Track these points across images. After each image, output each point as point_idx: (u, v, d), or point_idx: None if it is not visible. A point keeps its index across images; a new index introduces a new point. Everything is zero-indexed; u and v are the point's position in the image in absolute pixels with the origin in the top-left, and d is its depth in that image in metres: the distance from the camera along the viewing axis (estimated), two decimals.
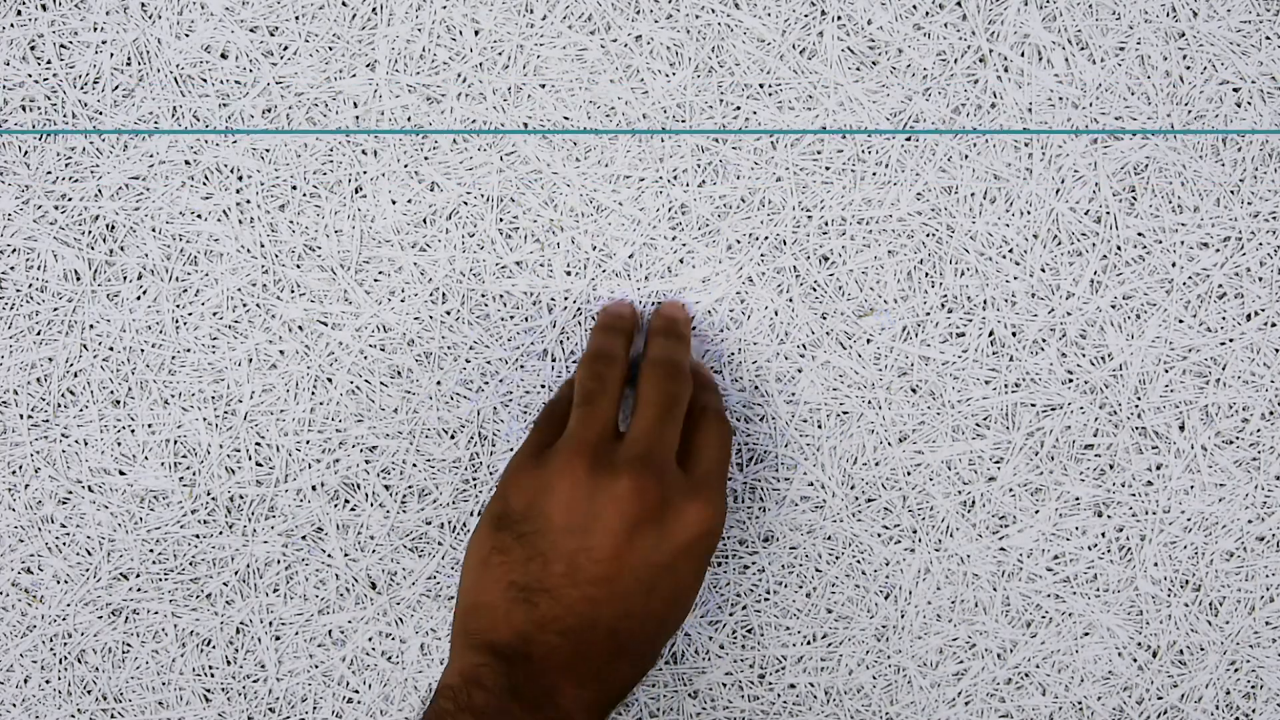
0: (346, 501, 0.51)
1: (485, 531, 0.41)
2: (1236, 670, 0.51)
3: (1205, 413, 0.50)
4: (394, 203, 0.50)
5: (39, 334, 0.51)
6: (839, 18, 0.49)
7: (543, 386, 0.51)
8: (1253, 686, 0.51)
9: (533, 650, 0.38)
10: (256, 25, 0.50)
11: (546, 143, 0.50)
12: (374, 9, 0.50)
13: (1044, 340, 0.50)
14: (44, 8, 0.50)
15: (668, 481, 0.40)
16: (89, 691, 0.52)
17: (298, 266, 0.51)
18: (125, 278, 0.51)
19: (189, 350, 0.51)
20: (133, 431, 0.51)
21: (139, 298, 0.51)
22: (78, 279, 0.51)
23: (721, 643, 0.52)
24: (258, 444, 0.51)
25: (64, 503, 0.51)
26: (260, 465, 0.51)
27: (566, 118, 0.50)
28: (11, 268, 0.51)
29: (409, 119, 0.50)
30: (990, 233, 0.50)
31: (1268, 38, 0.49)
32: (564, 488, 0.40)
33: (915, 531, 0.51)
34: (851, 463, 0.51)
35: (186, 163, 0.50)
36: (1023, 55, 0.49)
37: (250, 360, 0.51)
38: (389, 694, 0.52)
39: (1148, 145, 0.49)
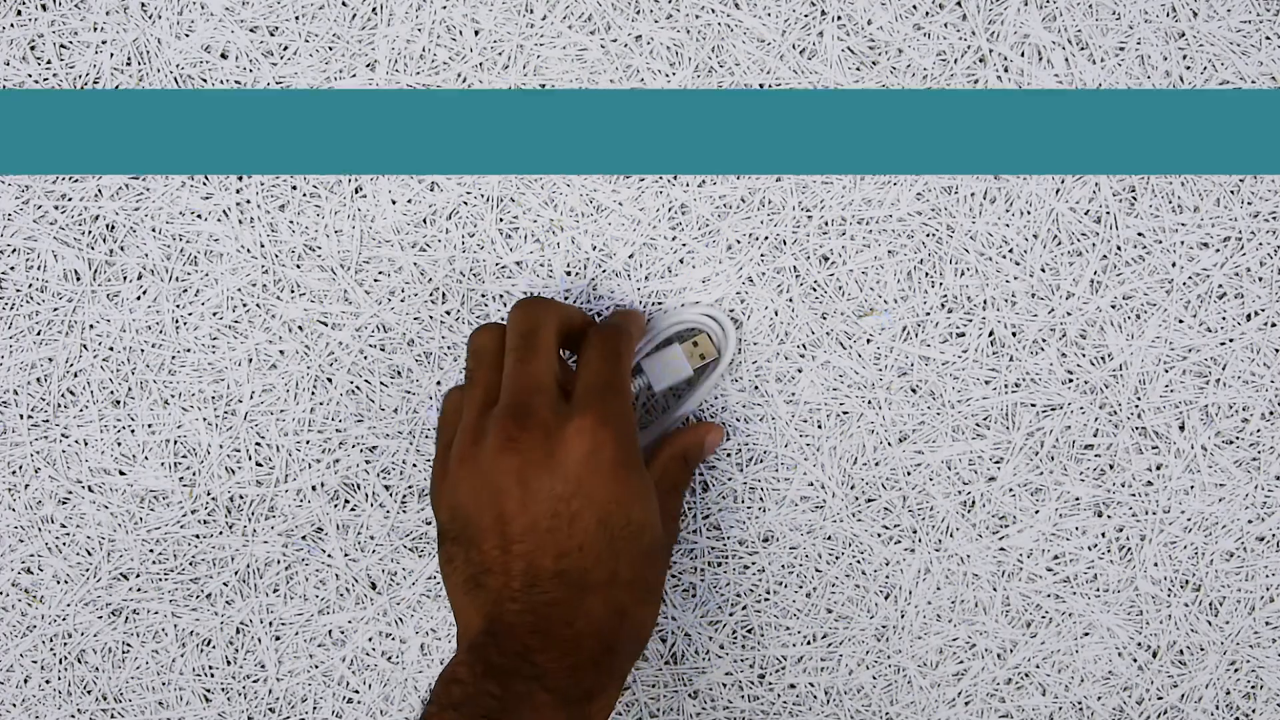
0: (346, 501, 0.51)
1: (439, 551, 0.42)
2: (1236, 670, 0.51)
3: (1205, 413, 0.50)
4: (394, 203, 0.50)
5: (39, 334, 0.51)
6: (839, 18, 0.49)
7: None
8: (1253, 686, 0.51)
9: (497, 628, 0.39)
10: (256, 25, 0.50)
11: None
12: (374, 9, 0.50)
13: (1044, 340, 0.50)
14: (44, 8, 0.50)
15: (539, 417, 0.40)
16: (89, 691, 0.52)
17: (298, 266, 0.51)
18: (125, 278, 0.51)
19: (189, 350, 0.51)
20: (133, 431, 0.51)
21: (139, 298, 0.51)
22: (78, 279, 0.51)
23: (721, 643, 0.52)
24: (258, 444, 0.51)
25: (64, 503, 0.51)
26: (260, 465, 0.51)
27: None
28: (11, 268, 0.51)
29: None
30: (990, 233, 0.50)
31: (1268, 38, 0.49)
32: (464, 474, 0.40)
33: (915, 531, 0.51)
34: (851, 463, 0.51)
35: None
36: (1023, 55, 0.49)
37: (250, 360, 0.51)
38: (389, 694, 0.52)
39: None
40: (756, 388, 0.50)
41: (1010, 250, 0.50)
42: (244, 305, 0.51)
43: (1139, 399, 0.50)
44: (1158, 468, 0.50)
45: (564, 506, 0.39)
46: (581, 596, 0.39)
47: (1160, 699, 0.51)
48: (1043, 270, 0.50)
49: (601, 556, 0.40)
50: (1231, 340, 0.50)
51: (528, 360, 0.42)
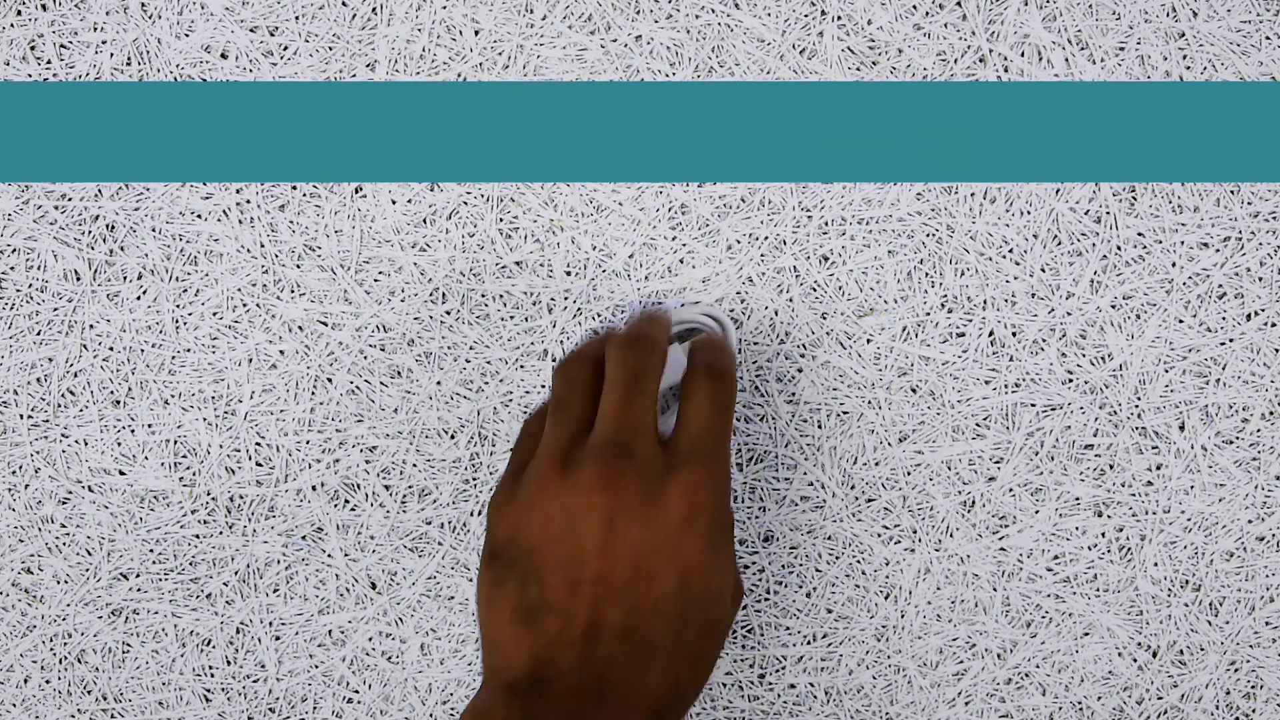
0: (346, 501, 0.51)
1: (483, 570, 0.39)
2: (1236, 670, 0.51)
3: (1205, 413, 0.50)
4: (394, 203, 0.50)
5: (39, 334, 0.51)
6: (839, 18, 0.49)
7: (542, 386, 0.51)
8: (1253, 686, 0.51)
9: (548, 674, 0.36)
10: (256, 25, 0.50)
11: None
12: (374, 9, 0.50)
13: (1044, 340, 0.50)
14: (44, 8, 0.50)
15: (641, 463, 0.38)
16: (89, 691, 0.52)
17: (298, 266, 0.51)
18: (125, 278, 0.51)
19: (189, 350, 0.51)
20: (133, 431, 0.51)
21: (139, 298, 0.51)
22: (78, 279, 0.51)
23: None
24: (258, 444, 0.51)
25: (64, 503, 0.51)
26: (260, 465, 0.51)
27: None
28: (11, 268, 0.51)
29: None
30: (990, 233, 0.50)
31: (1268, 38, 0.49)
32: (541, 500, 0.38)
33: (915, 531, 0.51)
34: (851, 463, 0.51)
35: None
36: (1023, 55, 0.49)
37: (250, 360, 0.51)
38: (389, 694, 0.52)
39: None
40: (756, 388, 0.50)
41: (1010, 250, 0.50)
42: (244, 305, 0.51)
43: (1139, 399, 0.50)
44: (1158, 468, 0.50)
45: (647, 561, 0.37)
46: (643, 663, 0.37)
47: (1160, 699, 0.51)
48: (1043, 270, 0.50)
49: (670, 622, 0.37)
50: (1231, 340, 0.50)
51: (634, 400, 0.39)
